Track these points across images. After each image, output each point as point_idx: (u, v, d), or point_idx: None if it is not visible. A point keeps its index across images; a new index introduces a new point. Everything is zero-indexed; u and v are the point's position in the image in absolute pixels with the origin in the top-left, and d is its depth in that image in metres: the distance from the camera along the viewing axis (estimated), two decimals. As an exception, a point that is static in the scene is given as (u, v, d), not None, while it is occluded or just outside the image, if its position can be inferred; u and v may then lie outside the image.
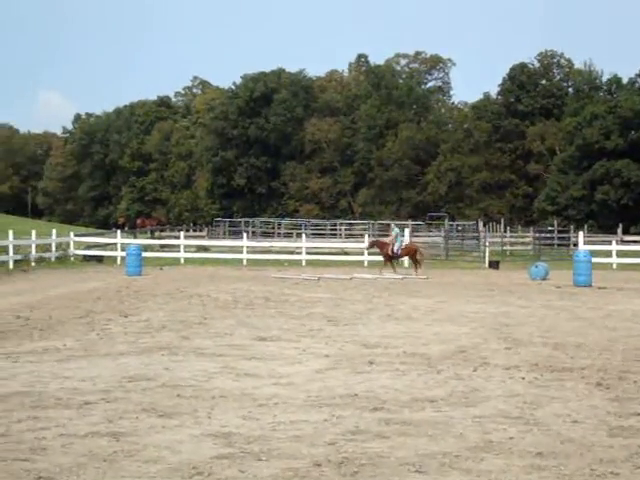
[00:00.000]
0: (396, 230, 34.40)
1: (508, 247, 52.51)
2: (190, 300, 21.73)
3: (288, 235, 65.34)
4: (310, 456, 6.89)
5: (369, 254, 40.25)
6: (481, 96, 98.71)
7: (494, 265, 39.00)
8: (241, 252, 41.87)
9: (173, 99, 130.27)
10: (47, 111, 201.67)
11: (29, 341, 14.26)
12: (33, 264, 36.38)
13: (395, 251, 33.11)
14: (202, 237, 63.34)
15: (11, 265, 34.66)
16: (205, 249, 47.80)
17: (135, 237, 52.75)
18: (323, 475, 6.37)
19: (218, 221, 77.37)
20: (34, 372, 11.01)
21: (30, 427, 7.87)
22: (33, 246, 38.10)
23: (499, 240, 52.61)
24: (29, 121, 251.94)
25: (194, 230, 74.52)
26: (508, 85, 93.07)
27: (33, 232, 39.13)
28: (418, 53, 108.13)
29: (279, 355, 12.60)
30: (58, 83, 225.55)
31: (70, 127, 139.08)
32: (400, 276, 31.68)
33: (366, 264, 39.00)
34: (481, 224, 61.65)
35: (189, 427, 7.93)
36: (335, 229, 71.32)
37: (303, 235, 47.70)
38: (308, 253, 41.69)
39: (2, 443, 7.27)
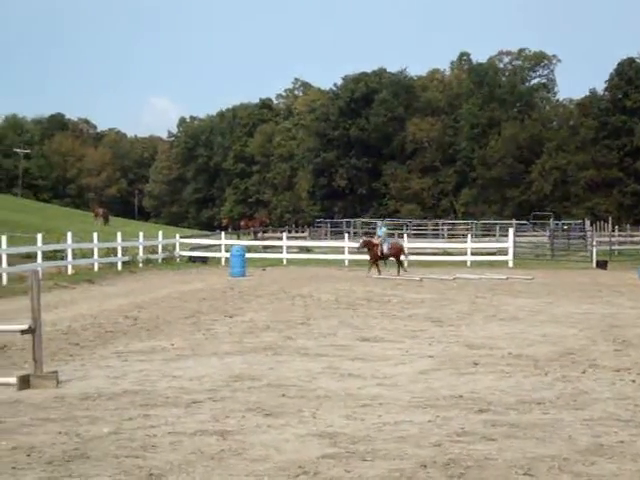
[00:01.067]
0: (383, 230, 34.19)
1: (616, 246, 51.17)
2: (293, 301, 21.89)
3: (390, 236, 65.08)
4: (416, 457, 6.85)
5: (472, 254, 39.86)
6: (587, 92, 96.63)
7: (602, 265, 38.11)
8: (343, 253, 41.97)
9: (275, 101, 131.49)
10: (153, 115, 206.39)
11: (138, 341, 14.60)
12: (141, 265, 37.23)
13: (385, 252, 32.40)
14: (304, 238, 63.75)
15: (120, 266, 35.54)
16: (307, 250, 48.10)
17: (239, 238, 53.47)
18: (429, 477, 6.32)
19: (319, 222, 77.69)
20: (143, 371, 11.27)
21: (140, 425, 8.05)
22: (140, 248, 38.99)
23: (607, 239, 51.34)
24: (136, 126, 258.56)
25: (296, 231, 75.05)
26: (615, 81, 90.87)
27: (140, 234, 40.06)
28: (522, 50, 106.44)
29: (382, 356, 12.58)
30: (166, 88, 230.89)
31: (175, 131, 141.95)
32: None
33: (469, 264, 38.62)
34: (588, 223, 60.29)
35: (294, 427, 7.98)
36: (437, 229, 70.82)
37: (405, 235, 47.51)
38: (410, 253, 41.51)
39: (114, 440, 7.46)
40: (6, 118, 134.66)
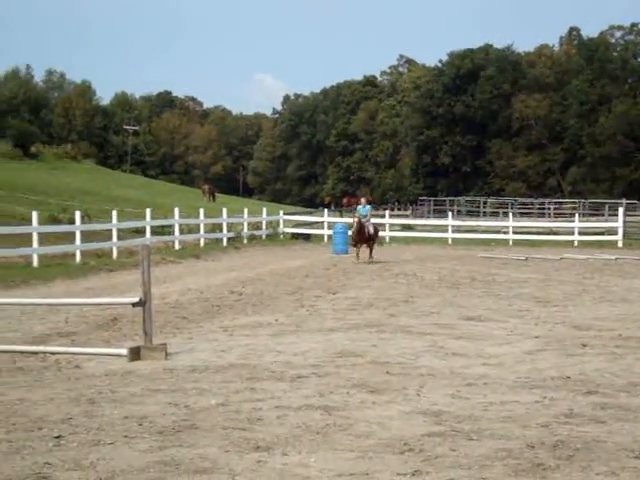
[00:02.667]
0: (367, 208, 29.48)
1: None
2: (396, 279, 21.86)
3: (494, 214, 64.33)
4: (523, 437, 6.76)
5: (579, 233, 39.05)
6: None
7: None
8: (446, 231, 41.66)
9: (379, 78, 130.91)
10: (259, 93, 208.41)
11: (243, 315, 14.81)
12: (245, 241, 37.72)
13: (371, 233, 28.43)
14: (406, 216, 63.51)
15: (225, 242, 36.09)
16: (410, 228, 47.88)
17: (341, 216, 53.58)
18: (537, 457, 6.24)
19: (422, 200, 77.26)
20: (249, 345, 11.43)
21: (247, 398, 8.17)
22: (245, 224, 39.51)
23: None
24: (241, 103, 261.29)
25: (398, 209, 74.81)
26: None
27: (245, 210, 40.58)
28: (634, 25, 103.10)
29: (487, 335, 12.45)
30: (271, 66, 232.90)
31: (279, 108, 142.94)
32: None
33: (576, 244, 37.84)
34: None
35: (399, 404, 7.98)
36: (543, 208, 69.54)
37: (510, 214, 46.82)
38: (515, 232, 40.92)
39: (222, 412, 7.59)
40: (116, 96, 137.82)
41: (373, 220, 30.73)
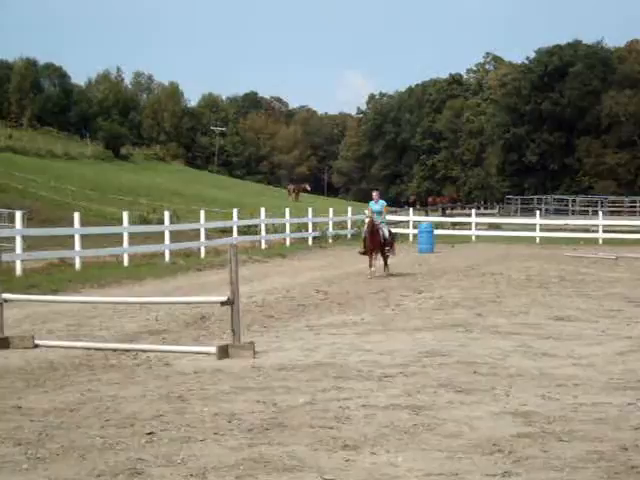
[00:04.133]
0: (381, 203, 23.45)
1: None
2: (483, 278, 21.63)
3: (583, 212, 63.20)
4: (616, 440, 6.62)
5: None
6: None
7: None
8: (534, 230, 41.05)
9: (465, 76, 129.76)
10: (344, 92, 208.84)
11: (329, 314, 14.85)
12: (330, 241, 37.83)
13: (386, 237, 23.00)
14: (493, 215, 62.83)
15: (310, 241, 36.26)
16: (497, 227, 47.35)
17: (427, 215, 53.32)
18: (630, 460, 6.10)
19: (509, 199, 76.36)
20: (335, 344, 11.45)
21: (334, 397, 8.19)
22: (330, 223, 39.63)
23: None
24: (326, 103, 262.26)
25: (485, 207, 74.05)
26: None
27: (330, 210, 40.69)
28: None
29: (577, 335, 12.22)
30: (358, 66, 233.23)
31: (364, 107, 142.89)
32: None
33: (669, 243, 36.89)
34: None
35: (487, 404, 7.90)
36: (634, 206, 67.99)
37: (599, 212, 45.90)
38: (605, 231, 40.11)
39: (309, 411, 7.63)
40: (203, 97, 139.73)
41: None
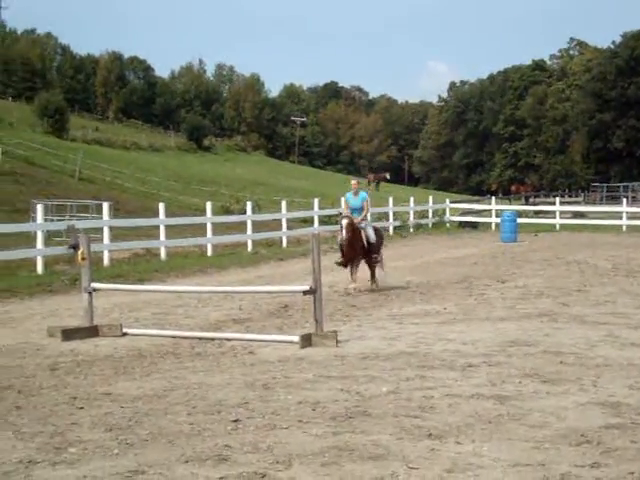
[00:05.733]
0: (364, 196, 17.76)
1: None
2: (568, 267, 21.28)
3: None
4: None
5: None
6: None
7: None
8: (620, 218, 40.18)
9: (548, 62, 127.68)
10: (426, 80, 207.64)
11: (411, 304, 14.81)
12: (411, 230, 37.67)
13: (370, 240, 17.42)
14: (578, 203, 61.76)
15: (391, 231, 36.16)
16: (581, 215, 46.50)
17: (510, 203, 52.69)
18: None
19: (594, 186, 74.92)
20: (418, 333, 11.42)
21: (418, 386, 8.17)
22: (411, 213, 39.45)
23: None
24: (406, 91, 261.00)
25: (569, 195, 72.84)
26: None
27: (411, 199, 40.51)
28: None
29: (667, 326, 11.94)
30: (440, 53, 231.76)
31: (445, 95, 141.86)
32: None
33: None
34: None
35: (574, 394, 7.78)
36: None
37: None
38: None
39: (393, 400, 7.63)
40: (284, 88, 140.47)
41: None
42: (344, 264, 17.13)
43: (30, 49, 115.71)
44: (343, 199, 17.80)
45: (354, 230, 16.90)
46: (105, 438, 6.52)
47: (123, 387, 8.38)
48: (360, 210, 17.39)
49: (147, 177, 53.79)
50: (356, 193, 17.48)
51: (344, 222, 16.99)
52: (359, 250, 17.09)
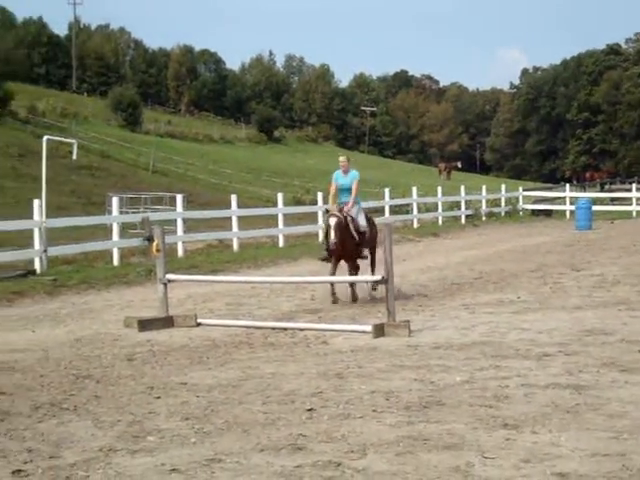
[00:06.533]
0: (354, 174, 14.75)
1: None
2: (646, 254, 20.87)
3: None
4: None
5: None
6: None
7: None
8: None
9: (624, 46, 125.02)
10: (498, 67, 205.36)
11: (484, 293, 14.68)
12: (484, 218, 37.34)
13: (362, 230, 14.64)
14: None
15: (463, 220, 35.90)
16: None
17: (584, 190, 51.83)
18: None
19: (673, 172, 73.17)
20: (491, 323, 11.31)
21: (492, 375, 8.10)
22: (483, 201, 39.11)
23: None
24: (478, 79, 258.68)
25: (646, 182, 71.24)
26: None
27: (483, 187, 40.16)
28: None
29: None
30: (514, 39, 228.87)
31: (517, 82, 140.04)
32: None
33: None
34: None
35: (653, 384, 7.63)
36: None
37: None
38: None
39: (467, 389, 7.58)
40: (354, 78, 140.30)
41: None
42: (328, 259, 14.54)
43: (104, 44, 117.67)
44: (333, 179, 14.94)
45: (345, 229, 14.22)
46: (182, 427, 6.61)
47: (198, 377, 8.48)
48: (350, 191, 14.66)
49: (219, 169, 54.29)
50: (346, 171, 14.84)
51: (332, 222, 14.11)
52: (347, 244, 14.29)
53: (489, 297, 14.13)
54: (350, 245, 14.35)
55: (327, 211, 14.78)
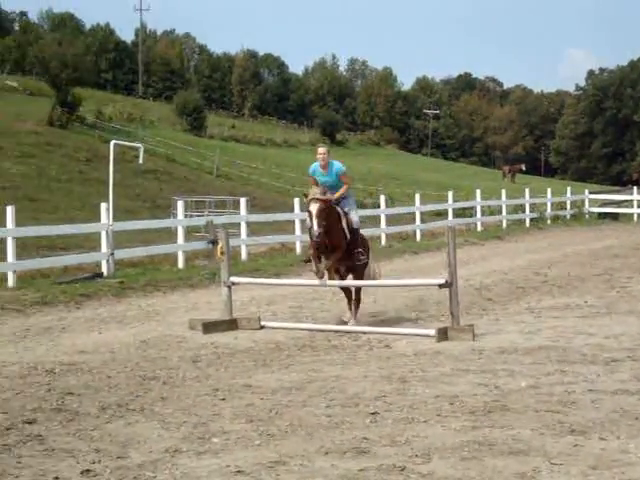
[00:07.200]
0: (338, 166, 12.18)
1: None
2: None
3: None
4: None
5: None
6: None
7: None
8: None
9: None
10: (563, 69, 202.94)
11: (550, 297, 14.51)
12: (548, 222, 36.88)
13: (354, 225, 12.16)
14: None
15: (527, 223, 35.51)
16: None
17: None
18: None
19: None
20: (557, 327, 11.18)
21: (558, 381, 8.00)
22: (548, 204, 38.62)
23: None
24: (542, 81, 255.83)
25: None
26: None
27: (548, 190, 39.65)
28: None
29: None
30: (581, 41, 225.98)
31: (583, 84, 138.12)
32: None
33: None
34: None
35: None
36: None
37: None
38: None
39: (533, 394, 7.50)
40: (417, 81, 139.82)
41: None
42: (309, 260, 12.28)
43: (169, 49, 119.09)
44: (311, 173, 12.31)
45: (330, 214, 11.61)
46: (247, 429, 6.66)
47: (262, 379, 8.53)
48: (334, 189, 11.94)
49: (282, 173, 54.52)
50: (326, 166, 12.01)
51: (314, 208, 11.46)
52: (341, 242, 11.86)
53: (555, 301, 13.96)
54: (340, 239, 11.80)
55: (306, 196, 11.86)
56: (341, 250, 11.90)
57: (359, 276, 12.31)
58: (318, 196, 11.56)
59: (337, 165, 12.11)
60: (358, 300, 12.36)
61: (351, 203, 12.35)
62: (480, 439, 6.18)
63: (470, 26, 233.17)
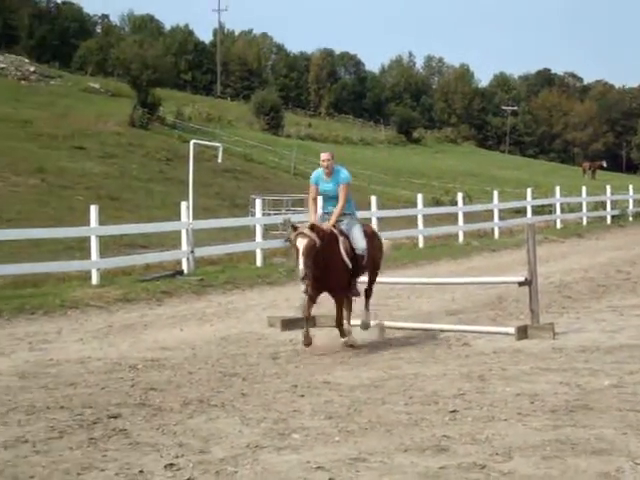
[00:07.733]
0: (344, 175, 10.80)
1: None
2: None
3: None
4: None
5: None
6: None
7: None
8: None
9: None
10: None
11: (632, 295, 14.27)
12: (630, 219, 36.18)
13: (359, 252, 10.45)
14: None
15: (609, 220, 34.89)
16: None
17: None
18: None
19: None
20: (641, 326, 10.98)
21: (642, 380, 7.88)
22: (630, 201, 37.90)
23: None
24: (625, 76, 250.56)
25: None
26: None
27: (630, 187, 38.90)
28: None
29: None
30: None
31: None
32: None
33: None
34: None
35: None
36: None
37: None
38: None
39: (616, 394, 7.38)
40: (494, 77, 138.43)
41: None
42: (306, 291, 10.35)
43: (247, 49, 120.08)
44: (312, 181, 11.05)
45: (320, 254, 9.94)
46: (326, 425, 6.70)
47: (341, 376, 8.57)
48: (334, 200, 10.73)
49: (358, 171, 54.53)
50: (330, 173, 10.78)
51: (300, 244, 9.86)
52: (334, 278, 10.27)
53: (637, 299, 13.70)
54: (338, 275, 10.28)
55: (293, 227, 10.32)
56: (343, 288, 10.45)
57: (369, 299, 11.10)
58: (306, 231, 9.93)
59: (342, 174, 10.74)
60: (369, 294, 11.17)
61: (352, 222, 10.69)
62: (562, 438, 6.11)
63: (548, 21, 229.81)
